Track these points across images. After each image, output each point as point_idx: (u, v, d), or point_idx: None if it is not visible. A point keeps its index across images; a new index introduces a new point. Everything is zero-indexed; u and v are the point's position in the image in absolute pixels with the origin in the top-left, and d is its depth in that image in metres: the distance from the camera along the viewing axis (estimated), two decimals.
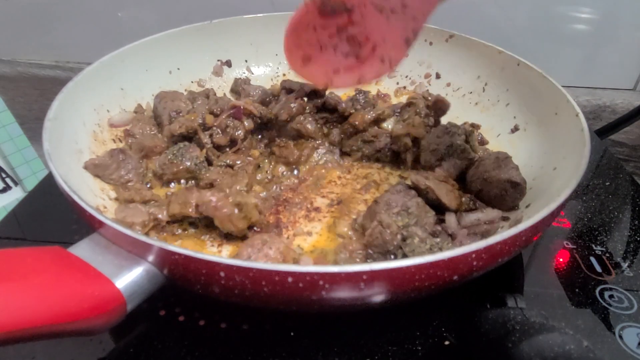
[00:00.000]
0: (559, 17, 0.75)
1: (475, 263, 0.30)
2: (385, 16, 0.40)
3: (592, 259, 0.43)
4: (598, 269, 0.42)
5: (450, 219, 0.41)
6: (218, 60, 0.67)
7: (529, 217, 0.33)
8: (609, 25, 0.75)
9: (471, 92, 0.62)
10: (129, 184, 0.47)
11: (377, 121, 0.54)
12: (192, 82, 0.64)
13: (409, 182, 0.44)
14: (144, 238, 0.30)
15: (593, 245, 0.45)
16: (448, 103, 0.52)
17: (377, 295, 0.30)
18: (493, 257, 0.32)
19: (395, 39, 0.41)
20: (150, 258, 0.31)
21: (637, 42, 0.76)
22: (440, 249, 0.37)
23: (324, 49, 0.45)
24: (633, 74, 0.79)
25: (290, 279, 0.28)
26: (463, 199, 0.44)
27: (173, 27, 0.62)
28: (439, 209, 0.42)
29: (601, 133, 0.74)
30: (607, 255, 0.44)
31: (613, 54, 0.77)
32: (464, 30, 0.63)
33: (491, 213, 0.42)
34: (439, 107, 0.52)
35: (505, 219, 0.43)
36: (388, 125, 0.56)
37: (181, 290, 0.34)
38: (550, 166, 0.46)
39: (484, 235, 0.41)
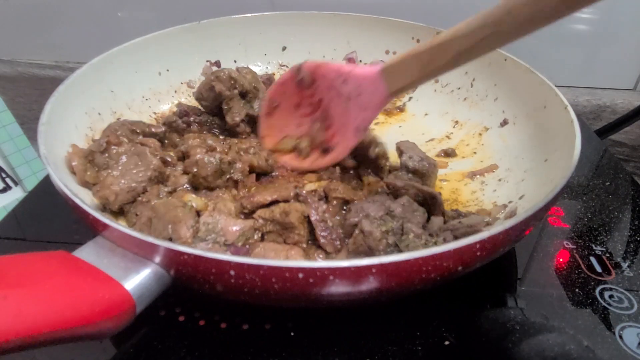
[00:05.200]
0: None
1: (479, 253, 0.31)
2: (343, 101, 0.44)
3: (592, 259, 0.43)
4: (598, 269, 0.42)
5: (435, 220, 0.40)
6: (207, 61, 0.67)
7: (525, 208, 0.33)
8: (609, 25, 0.75)
9: (459, 88, 0.63)
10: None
11: None
12: (181, 83, 0.64)
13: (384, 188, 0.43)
14: (150, 239, 0.30)
15: (593, 245, 0.45)
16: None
17: (385, 288, 0.31)
18: (495, 247, 0.33)
19: (349, 127, 0.44)
20: (157, 259, 0.31)
21: (637, 42, 0.76)
22: (435, 244, 0.37)
23: (295, 123, 0.49)
24: (633, 74, 0.79)
25: (300, 275, 0.28)
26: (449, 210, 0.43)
27: (173, 26, 0.62)
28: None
29: (601, 133, 0.74)
30: (607, 255, 0.44)
31: (613, 54, 0.77)
32: None
33: (475, 218, 0.41)
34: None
35: (488, 223, 0.42)
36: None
37: (181, 290, 0.34)
38: (541, 158, 0.46)
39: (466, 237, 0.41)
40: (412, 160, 0.46)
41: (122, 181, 0.42)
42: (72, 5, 0.81)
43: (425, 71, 0.37)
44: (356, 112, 0.43)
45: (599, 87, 0.81)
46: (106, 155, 0.45)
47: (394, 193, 0.43)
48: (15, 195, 0.73)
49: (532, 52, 0.60)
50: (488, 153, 0.54)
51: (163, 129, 0.52)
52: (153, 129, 0.51)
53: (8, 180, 0.72)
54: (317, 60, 0.46)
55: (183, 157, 0.49)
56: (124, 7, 0.81)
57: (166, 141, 0.53)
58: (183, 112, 0.54)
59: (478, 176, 0.51)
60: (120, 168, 0.43)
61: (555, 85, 0.49)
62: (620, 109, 0.78)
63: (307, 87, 0.46)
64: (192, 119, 0.54)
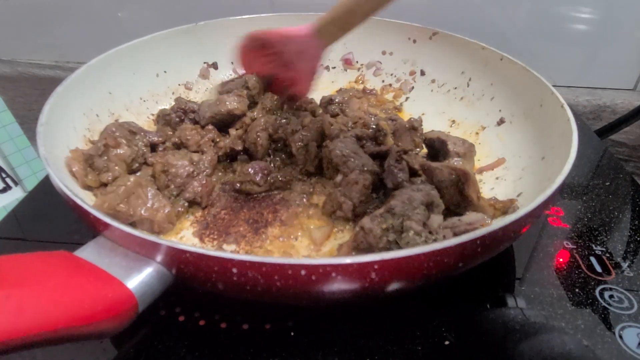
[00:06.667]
0: (559, 17, 0.75)
1: (479, 250, 0.31)
2: (292, 55, 0.54)
3: (592, 259, 0.43)
4: (598, 269, 0.42)
5: (434, 218, 0.40)
6: (204, 63, 0.67)
7: (524, 205, 0.33)
8: (609, 25, 0.75)
9: (456, 88, 0.63)
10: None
11: None
12: (179, 84, 0.64)
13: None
14: (152, 238, 0.30)
15: (593, 245, 0.45)
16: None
17: (387, 285, 0.31)
18: (494, 244, 0.33)
19: (302, 73, 0.56)
20: (159, 258, 0.31)
21: (637, 42, 0.76)
22: (435, 241, 0.37)
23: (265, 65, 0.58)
24: (633, 74, 0.79)
25: (303, 272, 0.28)
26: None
27: (174, 27, 0.62)
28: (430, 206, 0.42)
29: (601, 133, 0.74)
30: (607, 255, 0.44)
31: (613, 54, 0.78)
32: (465, 31, 0.63)
33: (474, 216, 0.42)
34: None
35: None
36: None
37: (182, 290, 0.34)
38: (538, 156, 0.47)
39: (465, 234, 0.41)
40: (458, 146, 0.49)
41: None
42: (72, 5, 0.81)
43: (344, 30, 0.51)
44: (305, 63, 0.54)
45: (599, 87, 0.81)
46: (105, 157, 0.45)
47: (430, 175, 0.43)
48: (15, 195, 0.73)
49: (532, 52, 0.60)
50: (485, 152, 0.54)
51: (162, 139, 0.52)
52: (154, 138, 0.51)
53: (8, 180, 0.72)
54: (262, 29, 0.54)
55: (179, 146, 0.50)
56: (124, 7, 0.81)
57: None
58: (179, 108, 0.55)
59: (476, 174, 0.51)
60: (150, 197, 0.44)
61: (556, 85, 0.49)
62: (620, 109, 0.78)
63: (259, 49, 0.56)
64: (187, 115, 0.55)
